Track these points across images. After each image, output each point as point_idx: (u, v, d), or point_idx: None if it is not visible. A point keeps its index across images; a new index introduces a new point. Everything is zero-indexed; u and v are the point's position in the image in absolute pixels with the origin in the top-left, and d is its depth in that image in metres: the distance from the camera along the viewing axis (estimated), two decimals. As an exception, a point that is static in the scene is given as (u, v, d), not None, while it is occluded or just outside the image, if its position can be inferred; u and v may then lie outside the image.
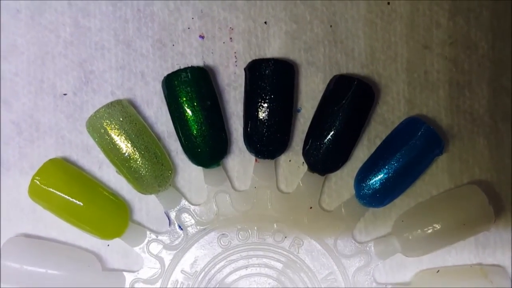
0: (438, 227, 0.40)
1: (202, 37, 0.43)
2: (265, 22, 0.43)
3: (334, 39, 0.43)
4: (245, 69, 0.41)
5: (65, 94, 0.42)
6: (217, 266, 0.42)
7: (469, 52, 0.43)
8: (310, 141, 0.41)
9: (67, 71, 0.42)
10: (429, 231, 0.40)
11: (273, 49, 0.43)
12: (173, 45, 0.43)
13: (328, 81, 0.42)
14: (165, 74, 0.41)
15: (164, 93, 0.41)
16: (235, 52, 0.43)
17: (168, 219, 0.42)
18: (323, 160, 0.41)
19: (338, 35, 0.43)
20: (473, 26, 0.43)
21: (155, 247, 0.42)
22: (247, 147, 0.42)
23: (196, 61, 0.42)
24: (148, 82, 0.42)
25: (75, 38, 0.42)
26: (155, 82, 0.42)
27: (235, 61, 0.43)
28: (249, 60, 0.42)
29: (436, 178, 0.42)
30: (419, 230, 0.40)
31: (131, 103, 0.42)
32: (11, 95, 0.42)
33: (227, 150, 0.42)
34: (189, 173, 0.43)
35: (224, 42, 0.43)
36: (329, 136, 0.40)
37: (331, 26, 0.43)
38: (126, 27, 0.42)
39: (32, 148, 0.42)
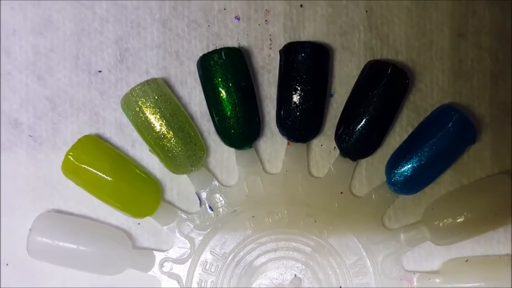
0: (469, 216, 0.40)
1: (237, 18, 0.43)
2: (301, 5, 0.43)
3: (369, 24, 0.43)
4: (280, 51, 0.41)
5: (100, 71, 0.42)
6: (246, 248, 0.42)
7: (504, 42, 0.43)
8: (342, 126, 0.41)
9: (102, 48, 0.42)
10: (460, 220, 0.40)
11: (308, 33, 0.43)
12: (209, 25, 0.43)
13: (362, 66, 0.42)
14: (200, 54, 0.41)
15: (199, 73, 0.41)
16: (270, 35, 0.43)
17: (199, 199, 0.42)
18: (355, 145, 0.41)
19: (373, 21, 0.43)
20: (509, 16, 0.43)
21: (185, 227, 0.42)
22: (279, 130, 0.42)
23: (231, 43, 0.42)
24: (182, 61, 0.42)
25: (111, 15, 0.42)
26: (190, 62, 0.42)
27: (270, 44, 0.43)
28: (284, 43, 0.42)
29: (467, 167, 0.43)
30: (449, 219, 0.40)
31: (166, 82, 0.42)
32: (46, 71, 0.42)
33: (260, 132, 0.42)
34: (221, 154, 0.43)
35: (259, 24, 0.43)
36: (362, 122, 0.40)
37: (366, 11, 0.43)
38: (163, 6, 0.42)
39: (66, 124, 0.42)
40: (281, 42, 0.43)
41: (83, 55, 0.42)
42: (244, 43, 0.43)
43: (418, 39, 0.43)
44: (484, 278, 0.40)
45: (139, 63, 0.42)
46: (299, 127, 0.41)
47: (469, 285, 0.41)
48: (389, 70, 0.40)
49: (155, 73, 0.42)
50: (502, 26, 0.43)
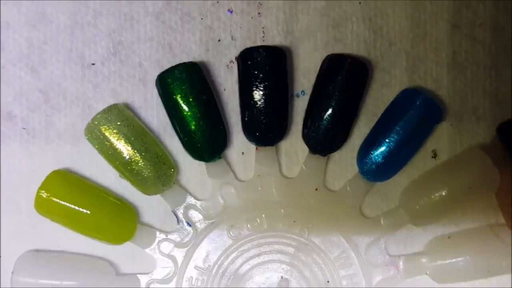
0: (444, 193, 0.40)
1: (230, 11, 0.43)
2: (294, -2, 0.43)
3: (363, 16, 0.43)
4: (237, 58, 0.41)
5: (93, 64, 0.42)
6: (230, 258, 0.42)
7: (498, 34, 0.42)
8: (308, 123, 0.41)
9: (95, 41, 0.42)
10: (436, 198, 0.40)
11: (301, 25, 0.43)
12: (202, 18, 0.43)
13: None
14: (193, 47, 0.41)
15: (158, 92, 0.41)
16: (263, 28, 0.43)
17: (176, 217, 0.42)
18: (322, 141, 0.41)
19: (367, 12, 0.43)
20: (502, 9, 0.42)
21: (166, 247, 0.42)
22: (246, 136, 0.42)
23: (224, 35, 0.42)
24: (176, 54, 0.42)
25: (105, 8, 0.42)
26: (183, 55, 0.42)
27: (263, 37, 0.43)
28: (277, 36, 0.42)
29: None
30: (425, 198, 0.40)
31: (127, 106, 0.42)
32: (40, 63, 0.42)
33: (227, 142, 0.42)
34: (191, 169, 0.43)
35: (252, 17, 0.43)
36: (326, 117, 0.40)
37: (360, 3, 0.43)
38: (156, -2, 0.43)
39: (59, 117, 0.42)
40: (274, 35, 0.43)
41: (76, 48, 0.42)
42: (237, 35, 0.43)
43: (412, 31, 0.43)
44: (470, 251, 0.40)
45: (132, 56, 0.42)
46: (264, 131, 0.41)
47: (455, 259, 0.40)
48: (348, 63, 0.40)
49: (148, 66, 0.42)
50: (496, 18, 0.42)
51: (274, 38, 0.42)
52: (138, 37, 0.42)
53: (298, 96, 0.43)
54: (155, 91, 0.42)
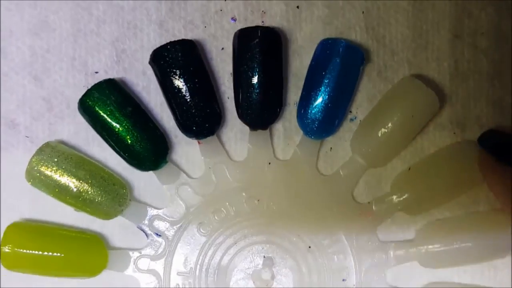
0: (390, 126, 0.40)
1: (234, 19, 0.43)
2: (298, 7, 0.43)
3: (366, 25, 0.43)
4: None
5: (96, 72, 0.42)
6: (208, 254, 0.42)
7: (500, 43, 0.43)
8: (240, 101, 0.41)
9: (99, 49, 0.42)
10: (383, 132, 0.41)
11: (305, 34, 0.43)
12: (205, 26, 0.43)
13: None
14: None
15: (84, 118, 0.41)
16: (266, 36, 0.43)
17: (144, 232, 0.42)
18: (257, 114, 0.41)
19: (370, 22, 0.43)
20: (504, 17, 0.43)
21: (143, 263, 0.42)
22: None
23: (228, 44, 0.42)
24: (179, 62, 0.42)
25: (108, 16, 0.42)
26: (186, 63, 0.42)
27: (266, 45, 0.43)
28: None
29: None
30: (374, 138, 0.41)
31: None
32: (43, 72, 0.42)
33: (168, 148, 0.42)
34: (145, 180, 0.43)
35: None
36: (254, 90, 0.40)
37: (363, 12, 0.43)
38: (159, 7, 0.42)
39: (62, 125, 0.42)
40: (277, 43, 0.43)
41: (79, 56, 0.42)
42: (240, 44, 0.43)
43: (415, 40, 0.43)
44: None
45: (135, 64, 0.42)
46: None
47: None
48: (259, 33, 0.40)
49: (151, 74, 0.42)
50: (498, 26, 0.43)
51: (277, 47, 0.42)
52: (141, 45, 0.42)
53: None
54: (159, 99, 0.42)
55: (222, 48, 0.43)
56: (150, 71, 0.42)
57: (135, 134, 0.40)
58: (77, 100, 0.41)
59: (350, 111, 0.43)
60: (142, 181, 0.43)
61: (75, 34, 0.42)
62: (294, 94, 0.43)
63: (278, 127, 0.43)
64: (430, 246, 0.41)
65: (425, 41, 0.43)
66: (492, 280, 0.42)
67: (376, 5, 0.43)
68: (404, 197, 0.41)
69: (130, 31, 0.42)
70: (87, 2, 0.42)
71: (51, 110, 0.42)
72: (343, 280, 0.42)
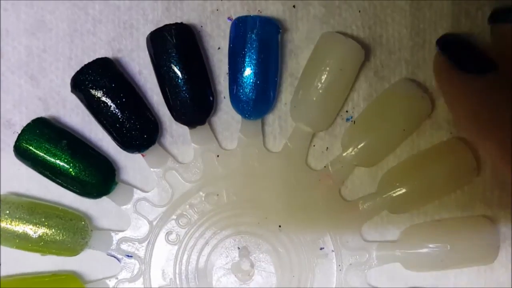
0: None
1: (230, 19, 0.43)
2: (294, 6, 0.43)
3: (362, 24, 0.43)
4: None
5: (92, 72, 0.42)
6: (184, 261, 0.42)
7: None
8: (171, 105, 0.41)
9: (95, 49, 0.42)
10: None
11: (301, 33, 0.43)
12: (202, 26, 0.43)
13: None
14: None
15: (24, 163, 0.40)
16: (262, 35, 0.43)
17: (115, 257, 0.42)
18: (191, 111, 0.41)
19: (366, 21, 0.43)
20: (501, 16, 0.43)
21: (123, 286, 0.42)
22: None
23: (224, 43, 0.42)
24: (175, 62, 0.42)
25: (104, 16, 0.42)
26: (182, 63, 0.42)
27: (263, 44, 0.43)
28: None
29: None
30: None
31: None
32: (39, 71, 0.42)
33: (114, 169, 0.42)
34: (103, 207, 0.42)
35: (252, 25, 0.43)
36: (179, 87, 0.40)
37: (359, 11, 0.43)
38: (155, 7, 0.42)
39: (59, 125, 0.42)
40: (274, 43, 0.43)
41: (76, 56, 0.42)
42: (237, 43, 0.43)
43: (412, 39, 0.43)
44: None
45: (132, 64, 0.42)
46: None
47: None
48: (172, 30, 0.40)
49: (147, 74, 0.42)
50: (495, 26, 0.42)
51: (274, 46, 0.42)
52: (137, 45, 0.42)
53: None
54: (154, 98, 0.42)
55: (219, 48, 0.43)
56: (146, 71, 0.42)
57: (77, 164, 0.40)
58: (75, 100, 0.41)
59: (346, 111, 0.43)
60: (102, 206, 0.42)
61: (71, 34, 0.42)
62: (290, 93, 0.43)
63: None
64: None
65: (422, 40, 0.43)
66: (489, 280, 0.42)
67: (373, 4, 0.43)
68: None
69: (126, 31, 0.42)
70: (83, 2, 0.42)
71: (48, 110, 0.42)
72: (321, 248, 0.42)
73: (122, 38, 0.42)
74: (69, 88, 0.41)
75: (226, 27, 0.42)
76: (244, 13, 0.42)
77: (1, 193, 0.42)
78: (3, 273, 0.42)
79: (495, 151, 0.36)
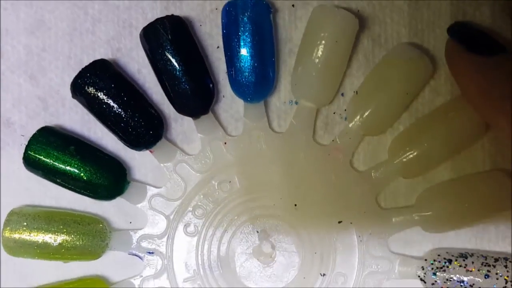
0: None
1: (229, 18, 0.43)
2: (293, 5, 0.43)
3: (361, 24, 0.43)
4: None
5: (92, 71, 0.42)
6: (205, 251, 0.42)
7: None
8: (173, 98, 0.41)
9: (94, 48, 0.42)
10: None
11: (300, 32, 0.43)
12: (200, 25, 0.43)
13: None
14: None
15: (36, 173, 0.40)
16: (261, 34, 0.43)
17: (137, 256, 0.42)
18: (190, 101, 0.41)
19: (365, 20, 0.43)
20: (498, 16, 0.43)
21: (149, 284, 0.42)
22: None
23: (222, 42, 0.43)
24: (174, 61, 0.43)
25: (103, 15, 0.42)
26: (182, 62, 0.42)
27: (261, 43, 0.43)
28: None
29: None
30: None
31: None
32: (38, 71, 0.42)
33: (125, 169, 0.42)
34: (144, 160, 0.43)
35: (251, 24, 0.43)
36: (181, 80, 0.40)
37: (358, 10, 0.43)
38: (154, 6, 0.42)
39: (58, 124, 0.42)
40: (272, 42, 0.43)
41: (75, 55, 0.42)
42: (236, 42, 0.43)
43: (410, 39, 0.43)
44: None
45: (131, 63, 0.43)
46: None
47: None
48: (166, 22, 0.40)
49: (147, 73, 0.42)
50: (493, 26, 0.43)
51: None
52: (137, 44, 0.42)
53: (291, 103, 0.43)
54: (156, 96, 0.42)
55: (218, 47, 0.43)
56: (145, 70, 0.42)
57: (88, 168, 0.40)
58: (74, 99, 0.41)
59: (345, 109, 0.43)
60: (140, 162, 0.43)
61: (70, 33, 0.42)
62: (289, 92, 0.43)
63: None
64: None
65: (420, 40, 0.43)
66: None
67: (371, 4, 0.43)
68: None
69: (125, 30, 0.43)
70: (83, 1, 0.42)
71: (47, 109, 0.42)
72: (339, 222, 0.42)
73: (122, 37, 0.43)
74: (68, 87, 0.41)
75: (225, 26, 0.43)
76: (243, 13, 0.43)
77: (16, 207, 0.42)
78: (26, 286, 0.42)
79: (507, 125, 0.37)
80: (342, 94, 0.43)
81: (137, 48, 0.42)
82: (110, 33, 0.42)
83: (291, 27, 0.43)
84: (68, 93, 0.42)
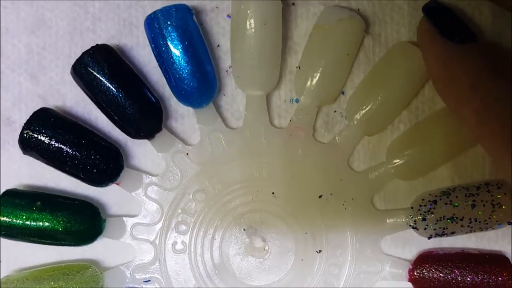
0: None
1: (230, 16, 0.43)
2: (293, 4, 0.43)
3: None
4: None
5: (92, 70, 0.42)
6: (200, 263, 0.42)
7: (494, 42, 0.43)
8: (121, 124, 0.41)
9: (95, 46, 0.42)
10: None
11: (300, 31, 0.43)
12: (201, 24, 0.43)
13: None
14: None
15: (8, 238, 0.40)
16: (262, 33, 0.43)
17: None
18: (141, 123, 0.41)
19: (365, 19, 0.43)
20: (498, 16, 0.43)
21: None
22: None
23: (223, 41, 0.43)
24: (175, 60, 0.43)
25: (104, 14, 0.42)
26: (182, 61, 0.43)
27: (262, 42, 0.43)
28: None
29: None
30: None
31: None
32: (39, 69, 0.42)
33: (98, 209, 0.42)
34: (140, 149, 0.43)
35: (251, 23, 0.43)
36: (127, 106, 0.40)
37: (358, 9, 0.43)
38: (155, 4, 0.42)
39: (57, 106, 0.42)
40: (273, 41, 0.43)
41: (75, 53, 0.42)
42: (236, 41, 0.43)
43: (410, 38, 0.43)
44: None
45: (131, 62, 0.42)
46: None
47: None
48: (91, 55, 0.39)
49: (147, 72, 0.42)
50: (493, 25, 0.43)
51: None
52: (137, 43, 0.42)
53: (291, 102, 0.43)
54: (156, 95, 0.42)
55: (218, 45, 0.43)
56: (145, 68, 0.42)
57: (60, 219, 0.40)
58: (74, 97, 0.41)
59: (345, 108, 0.43)
60: (137, 150, 0.43)
61: (71, 32, 0.42)
62: (289, 90, 0.43)
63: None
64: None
65: (420, 39, 0.43)
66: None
67: (371, 3, 0.43)
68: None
69: (126, 29, 0.43)
70: (83, 0, 0.42)
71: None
72: (320, 196, 0.42)
73: (122, 36, 0.43)
74: (68, 85, 0.42)
75: (226, 24, 0.43)
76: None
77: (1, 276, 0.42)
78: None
79: (471, 117, 0.37)
80: (343, 93, 0.43)
81: (137, 47, 0.42)
82: (110, 31, 0.42)
83: (292, 26, 0.43)
84: (69, 92, 0.42)
